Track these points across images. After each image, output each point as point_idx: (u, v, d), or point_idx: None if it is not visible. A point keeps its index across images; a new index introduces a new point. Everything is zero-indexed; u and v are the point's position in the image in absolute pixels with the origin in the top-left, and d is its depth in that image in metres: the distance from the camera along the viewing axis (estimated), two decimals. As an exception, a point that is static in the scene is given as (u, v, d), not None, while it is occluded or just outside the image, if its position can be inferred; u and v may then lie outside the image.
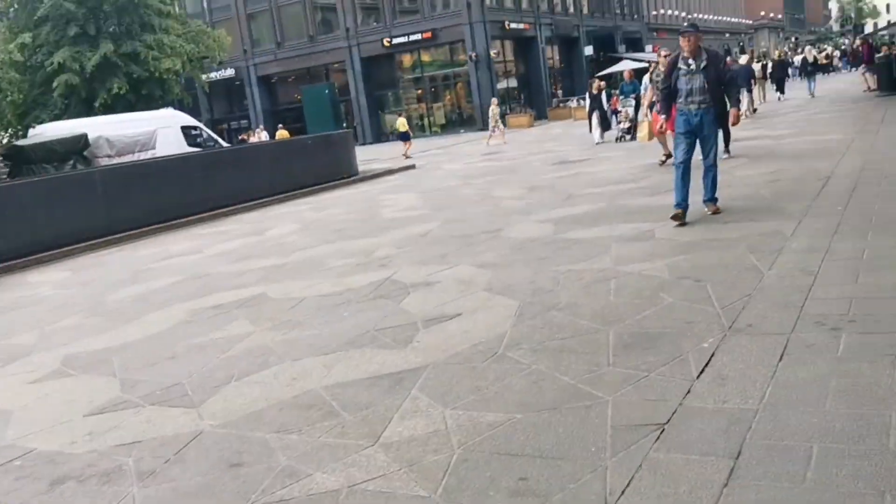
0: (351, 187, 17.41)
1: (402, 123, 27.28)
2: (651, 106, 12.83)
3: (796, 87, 31.83)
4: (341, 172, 18.35)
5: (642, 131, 13.28)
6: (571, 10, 47.97)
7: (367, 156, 24.87)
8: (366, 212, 12.19)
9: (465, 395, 3.79)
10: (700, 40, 7.21)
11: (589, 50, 47.02)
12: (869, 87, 24.12)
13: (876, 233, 5.74)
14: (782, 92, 27.74)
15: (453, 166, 19.48)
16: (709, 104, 7.14)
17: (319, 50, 42.99)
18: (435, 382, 4.03)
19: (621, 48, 52.97)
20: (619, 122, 20.38)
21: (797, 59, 38.00)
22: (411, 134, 27.72)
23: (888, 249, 5.21)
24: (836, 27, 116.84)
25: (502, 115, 29.68)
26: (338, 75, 43.73)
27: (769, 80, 28.43)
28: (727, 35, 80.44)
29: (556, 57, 47.00)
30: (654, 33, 59.86)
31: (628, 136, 18.49)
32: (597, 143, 18.98)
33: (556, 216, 8.88)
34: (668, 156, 11.87)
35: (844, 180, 8.35)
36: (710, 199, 7.53)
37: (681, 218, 7.13)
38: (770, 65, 30.54)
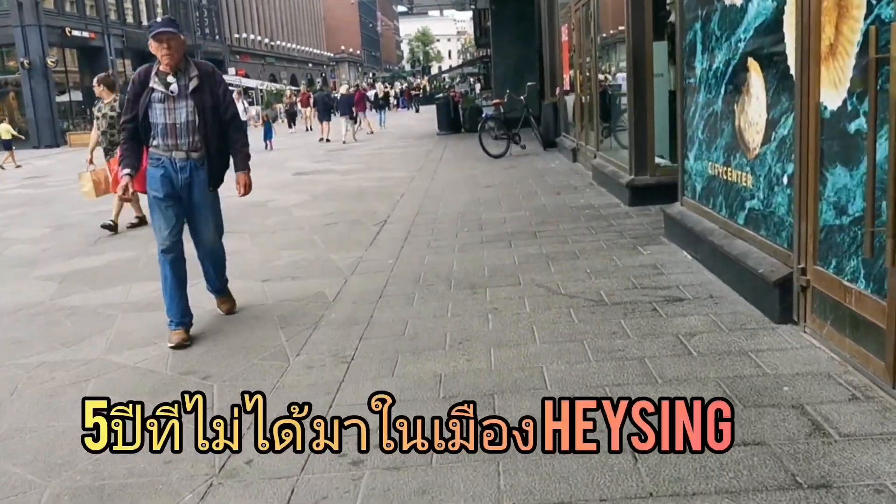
0: None
1: (5, 130, 23.46)
2: (108, 153, 8.78)
3: (370, 118, 33.26)
4: None
5: (85, 185, 8.94)
6: (145, 22, 44.62)
7: None
8: None
9: None
10: (184, 46, 4.57)
11: (167, 67, 44.17)
12: (367, 131, 25.88)
13: (421, 295, 5.12)
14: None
15: (-26, 194, 15.84)
16: (203, 151, 4.57)
17: None
18: None
19: (204, 68, 50.96)
20: None
21: (370, 94, 39.93)
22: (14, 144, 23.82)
23: (430, 320, 4.55)
24: (408, 67, 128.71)
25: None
26: None
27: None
28: (310, 65, 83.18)
29: (130, 71, 43.24)
30: (237, 56, 58.95)
31: None
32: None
33: (68, 269, 7.01)
34: (130, 224, 8.99)
35: (400, 225, 7.96)
36: (218, 289, 5.11)
37: (184, 340, 4.51)
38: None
